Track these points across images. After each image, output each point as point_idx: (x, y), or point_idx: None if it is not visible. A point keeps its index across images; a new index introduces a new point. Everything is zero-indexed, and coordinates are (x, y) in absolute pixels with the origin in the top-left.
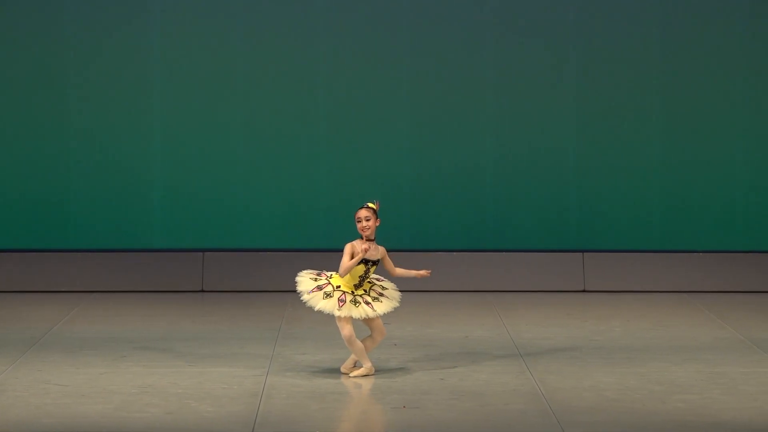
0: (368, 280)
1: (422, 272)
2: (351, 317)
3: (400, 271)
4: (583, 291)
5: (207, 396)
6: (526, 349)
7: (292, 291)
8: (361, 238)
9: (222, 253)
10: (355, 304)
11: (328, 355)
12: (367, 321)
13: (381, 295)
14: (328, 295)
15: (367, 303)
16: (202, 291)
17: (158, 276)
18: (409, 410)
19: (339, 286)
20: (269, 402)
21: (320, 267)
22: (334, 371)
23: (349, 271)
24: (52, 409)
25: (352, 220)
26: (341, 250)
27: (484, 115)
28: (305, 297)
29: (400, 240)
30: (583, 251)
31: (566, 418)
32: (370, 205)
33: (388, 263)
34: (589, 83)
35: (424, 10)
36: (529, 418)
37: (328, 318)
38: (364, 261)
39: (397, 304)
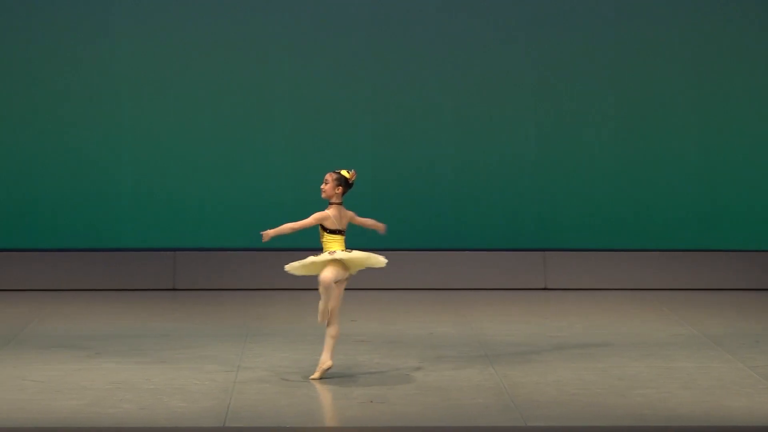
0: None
1: (380, 225)
2: (337, 271)
3: (359, 220)
4: (544, 289)
5: (179, 392)
6: (489, 345)
7: (262, 289)
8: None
9: (193, 252)
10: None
11: (297, 352)
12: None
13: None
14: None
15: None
16: (174, 289)
17: (130, 275)
18: (376, 405)
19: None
20: (239, 397)
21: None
22: (303, 367)
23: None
24: (27, 404)
25: None
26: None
27: (443, 116)
28: (288, 266)
29: (363, 240)
30: (544, 250)
31: (528, 412)
32: (343, 172)
33: (357, 219)
34: (546, 84)
35: (383, 13)
36: (492, 412)
37: (297, 316)
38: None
39: (382, 261)
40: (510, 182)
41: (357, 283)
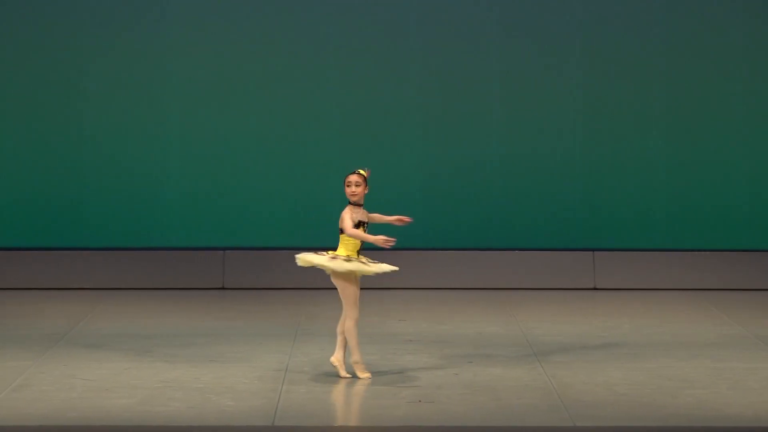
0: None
1: (402, 218)
2: (353, 277)
3: (377, 217)
4: (594, 289)
5: (228, 390)
6: (538, 345)
7: (311, 288)
8: (349, 204)
9: (242, 251)
10: (347, 261)
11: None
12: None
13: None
14: (320, 254)
15: (362, 263)
16: (223, 288)
17: (180, 274)
18: (425, 404)
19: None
20: (288, 396)
21: None
22: (351, 367)
23: (356, 236)
24: (77, 403)
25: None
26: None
27: (492, 116)
28: (298, 256)
29: (412, 239)
30: (593, 250)
31: (577, 412)
32: (361, 171)
33: (373, 217)
34: (595, 84)
35: (432, 13)
36: (540, 412)
37: None
38: (358, 223)
39: (394, 269)
40: (559, 182)
41: (405, 283)
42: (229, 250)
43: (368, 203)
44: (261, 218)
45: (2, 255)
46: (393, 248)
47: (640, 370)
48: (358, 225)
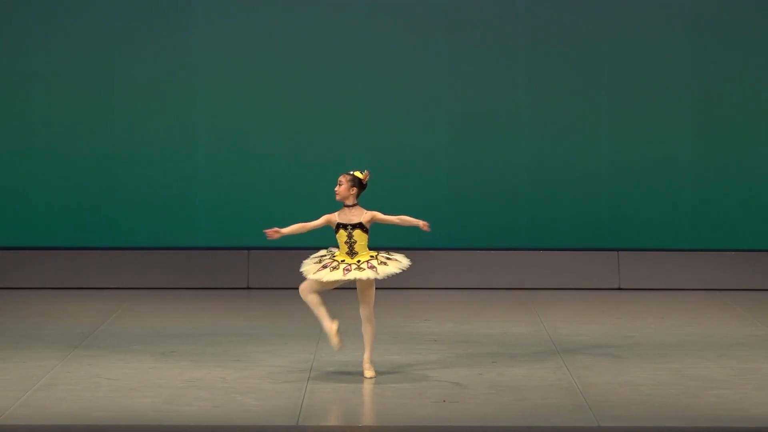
0: (376, 252)
1: (421, 222)
2: (320, 281)
3: (397, 219)
4: (618, 289)
5: (253, 390)
6: (563, 345)
7: (336, 288)
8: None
9: (267, 251)
10: (331, 270)
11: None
12: (360, 295)
13: (372, 267)
14: (317, 262)
15: (347, 270)
16: (248, 288)
17: (205, 273)
18: (449, 404)
19: (334, 256)
20: (313, 396)
21: None
22: (376, 366)
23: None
24: (103, 402)
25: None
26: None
27: (518, 116)
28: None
29: (437, 239)
30: (618, 250)
31: (602, 412)
32: (356, 173)
33: (384, 218)
34: (621, 84)
35: (459, 14)
36: (565, 412)
37: None
38: (343, 226)
39: (379, 276)
40: (584, 182)
41: (430, 283)
42: (254, 249)
43: (391, 203)
44: (286, 218)
45: (28, 254)
46: (415, 248)
47: (665, 370)
48: (339, 227)
